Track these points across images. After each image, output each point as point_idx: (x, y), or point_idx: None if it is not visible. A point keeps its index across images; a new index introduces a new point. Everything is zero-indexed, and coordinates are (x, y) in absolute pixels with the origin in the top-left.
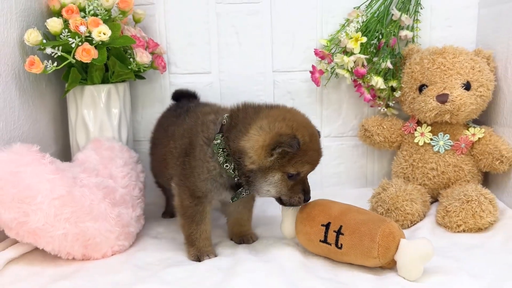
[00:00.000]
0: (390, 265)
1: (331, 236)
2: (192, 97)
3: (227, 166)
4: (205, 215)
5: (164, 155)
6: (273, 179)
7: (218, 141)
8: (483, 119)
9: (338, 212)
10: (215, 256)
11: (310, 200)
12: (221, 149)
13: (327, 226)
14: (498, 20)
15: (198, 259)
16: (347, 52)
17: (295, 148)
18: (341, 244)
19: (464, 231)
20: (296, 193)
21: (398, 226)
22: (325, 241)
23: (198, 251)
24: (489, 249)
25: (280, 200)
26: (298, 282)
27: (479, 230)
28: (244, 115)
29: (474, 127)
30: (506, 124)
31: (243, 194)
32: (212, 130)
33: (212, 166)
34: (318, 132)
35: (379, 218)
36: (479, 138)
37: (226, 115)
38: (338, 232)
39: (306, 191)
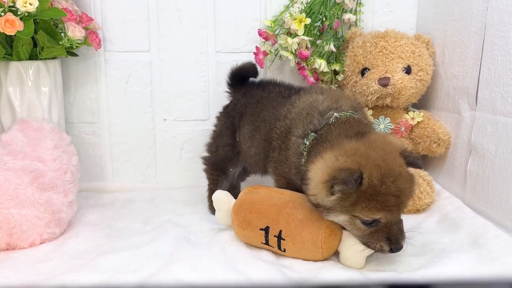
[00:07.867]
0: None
1: (273, 240)
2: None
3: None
4: None
5: (268, 136)
6: (340, 219)
7: (307, 142)
8: (422, 103)
9: (274, 212)
10: None
11: (241, 195)
12: (305, 152)
13: (266, 230)
14: (437, 6)
15: None
16: (291, 34)
17: (351, 186)
18: (284, 249)
19: (404, 212)
20: (378, 240)
21: None
22: (267, 243)
23: None
24: (426, 229)
25: None
26: (240, 266)
27: (418, 211)
28: (338, 132)
29: (414, 111)
30: (443, 108)
31: None
32: (317, 122)
33: (295, 163)
34: (409, 176)
35: (317, 217)
36: (418, 121)
37: (336, 114)
38: (279, 238)
39: (392, 241)
